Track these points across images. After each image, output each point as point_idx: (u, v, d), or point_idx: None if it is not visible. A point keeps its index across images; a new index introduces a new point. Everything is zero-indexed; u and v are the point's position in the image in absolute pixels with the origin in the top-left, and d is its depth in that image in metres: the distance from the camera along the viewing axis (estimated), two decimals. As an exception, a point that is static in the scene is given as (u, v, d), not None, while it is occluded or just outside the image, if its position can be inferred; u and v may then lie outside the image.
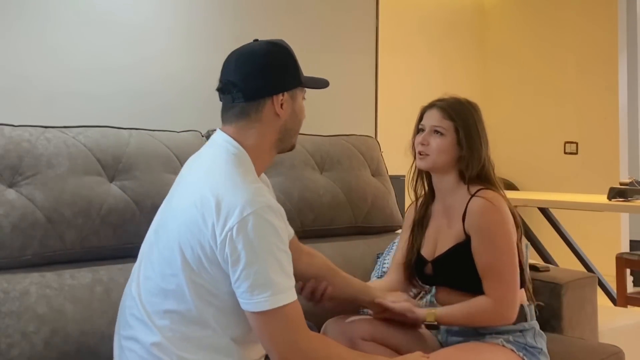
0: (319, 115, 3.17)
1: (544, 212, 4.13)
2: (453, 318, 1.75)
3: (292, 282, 1.38)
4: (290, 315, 1.35)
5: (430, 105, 1.84)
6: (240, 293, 1.34)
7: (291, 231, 1.62)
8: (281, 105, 1.47)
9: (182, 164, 2.07)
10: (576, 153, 5.03)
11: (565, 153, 5.07)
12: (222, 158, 1.44)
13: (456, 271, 1.77)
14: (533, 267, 2.36)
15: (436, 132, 1.79)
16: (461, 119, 1.78)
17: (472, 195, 1.75)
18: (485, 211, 1.72)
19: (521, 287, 1.81)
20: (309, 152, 2.48)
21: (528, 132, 5.19)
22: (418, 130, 1.85)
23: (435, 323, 1.73)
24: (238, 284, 1.33)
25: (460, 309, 1.74)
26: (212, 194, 1.36)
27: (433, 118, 1.81)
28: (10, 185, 1.75)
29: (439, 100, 1.83)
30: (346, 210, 2.47)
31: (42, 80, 2.32)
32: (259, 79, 1.45)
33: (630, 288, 4.46)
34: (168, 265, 1.40)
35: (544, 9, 5.20)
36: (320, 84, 1.59)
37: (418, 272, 1.87)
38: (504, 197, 1.79)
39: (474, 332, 1.77)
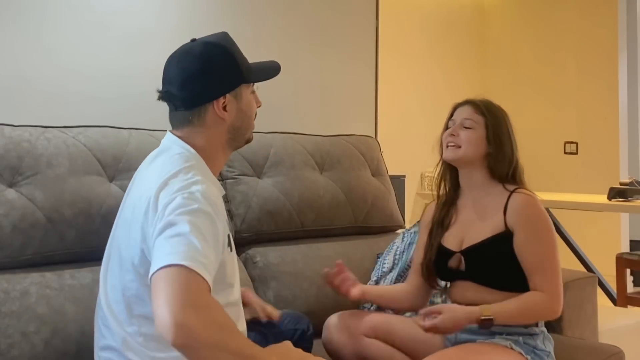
0: (319, 115, 3.18)
1: (544, 212, 4.13)
2: (508, 313, 1.66)
3: (207, 262, 1.22)
4: (191, 281, 1.17)
5: (463, 102, 1.86)
6: (155, 247, 1.23)
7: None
8: (224, 107, 1.43)
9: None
10: (576, 153, 5.03)
11: (565, 153, 5.07)
12: (168, 158, 1.40)
13: (490, 263, 1.74)
14: (533, 267, 2.35)
15: (466, 126, 1.81)
16: (492, 116, 1.82)
17: (512, 192, 1.77)
18: (530, 205, 1.75)
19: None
20: (309, 152, 2.48)
21: (528, 132, 5.18)
22: (447, 126, 1.87)
23: (492, 317, 1.64)
24: (153, 241, 1.24)
25: (515, 303, 1.69)
26: (154, 192, 1.31)
27: (465, 112, 1.83)
28: (11, 185, 1.75)
29: (472, 98, 1.86)
30: (346, 210, 2.47)
31: (42, 81, 2.32)
32: (196, 85, 1.42)
33: (630, 288, 4.46)
34: (126, 271, 1.38)
35: (543, 9, 5.20)
36: (268, 73, 1.53)
37: (439, 266, 1.83)
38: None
39: (486, 332, 1.73)
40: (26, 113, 2.25)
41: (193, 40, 1.50)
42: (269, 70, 1.54)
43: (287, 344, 1.44)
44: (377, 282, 2.23)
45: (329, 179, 2.47)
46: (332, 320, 1.85)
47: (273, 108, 3.03)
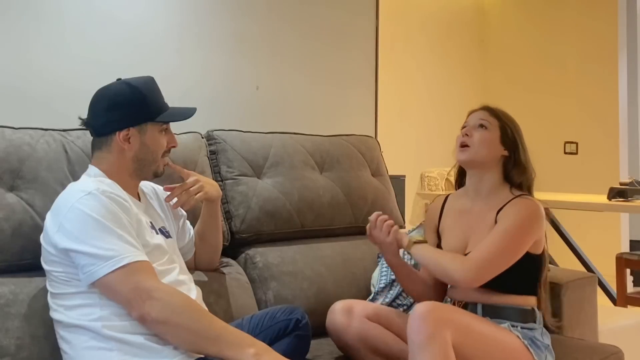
0: (319, 115, 3.18)
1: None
2: (426, 255, 1.77)
3: (131, 247, 1.48)
4: (132, 270, 1.45)
5: (479, 108, 1.88)
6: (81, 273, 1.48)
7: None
8: (128, 139, 1.63)
9: (183, 167, 2.09)
10: (576, 153, 5.02)
11: (565, 153, 5.07)
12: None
13: None
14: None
15: (481, 126, 1.82)
16: (506, 120, 1.85)
17: (516, 196, 1.78)
18: (523, 207, 1.75)
19: (534, 294, 1.81)
20: (308, 152, 2.48)
21: (528, 132, 5.16)
22: (463, 127, 1.88)
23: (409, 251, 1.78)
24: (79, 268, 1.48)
25: (439, 253, 1.79)
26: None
27: (480, 115, 1.85)
28: (11, 189, 1.76)
29: (487, 105, 1.89)
30: (346, 210, 2.47)
31: (42, 81, 2.32)
32: (103, 117, 1.64)
33: (630, 288, 4.46)
34: None
35: (544, 9, 5.20)
36: (175, 116, 1.71)
37: None
38: (546, 208, 1.81)
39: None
40: (26, 114, 2.25)
41: (118, 79, 1.70)
42: (179, 115, 1.72)
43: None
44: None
45: (329, 179, 2.47)
46: (338, 304, 1.89)
47: (273, 108, 3.04)
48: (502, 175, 1.83)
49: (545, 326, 1.85)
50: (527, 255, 1.75)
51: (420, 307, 1.55)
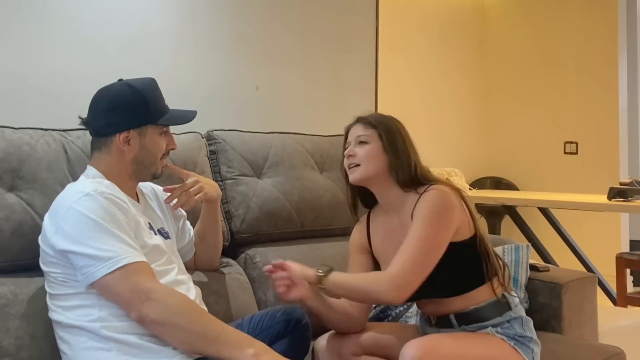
0: (319, 115, 3.18)
1: (544, 212, 4.13)
2: (343, 285, 1.65)
3: (129, 248, 1.47)
4: (130, 271, 1.45)
5: (354, 122, 1.83)
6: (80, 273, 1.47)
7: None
8: (128, 141, 1.63)
9: (182, 167, 2.09)
10: (576, 153, 5.02)
11: (565, 153, 5.07)
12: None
13: (434, 281, 1.65)
14: (533, 267, 2.36)
15: (361, 142, 1.78)
16: (383, 125, 1.79)
17: (422, 193, 1.71)
18: (427, 201, 1.67)
19: (488, 281, 1.73)
20: (308, 152, 2.48)
21: (528, 132, 5.19)
22: (345, 148, 1.84)
23: (323, 287, 1.65)
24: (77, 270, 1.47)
25: (354, 278, 1.69)
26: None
27: (357, 130, 1.80)
28: (11, 189, 1.76)
29: (361, 115, 1.84)
30: (346, 210, 2.44)
31: (42, 81, 2.33)
32: (104, 118, 1.64)
33: (630, 288, 4.46)
34: None
35: (543, 9, 5.20)
36: (176, 120, 1.71)
37: None
38: (457, 189, 1.75)
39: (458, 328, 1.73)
40: (26, 113, 2.25)
41: (120, 80, 1.69)
42: (179, 118, 1.72)
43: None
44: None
45: (329, 179, 2.48)
46: (319, 344, 1.83)
47: (273, 108, 3.04)
48: (396, 180, 1.76)
49: (546, 325, 1.83)
50: (456, 246, 1.67)
51: (409, 352, 1.51)
